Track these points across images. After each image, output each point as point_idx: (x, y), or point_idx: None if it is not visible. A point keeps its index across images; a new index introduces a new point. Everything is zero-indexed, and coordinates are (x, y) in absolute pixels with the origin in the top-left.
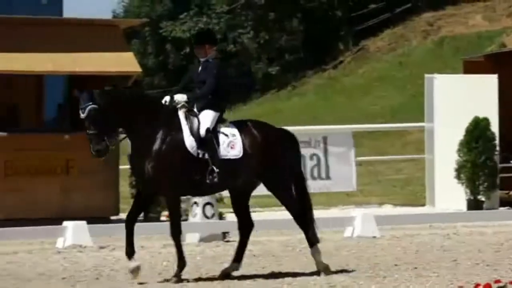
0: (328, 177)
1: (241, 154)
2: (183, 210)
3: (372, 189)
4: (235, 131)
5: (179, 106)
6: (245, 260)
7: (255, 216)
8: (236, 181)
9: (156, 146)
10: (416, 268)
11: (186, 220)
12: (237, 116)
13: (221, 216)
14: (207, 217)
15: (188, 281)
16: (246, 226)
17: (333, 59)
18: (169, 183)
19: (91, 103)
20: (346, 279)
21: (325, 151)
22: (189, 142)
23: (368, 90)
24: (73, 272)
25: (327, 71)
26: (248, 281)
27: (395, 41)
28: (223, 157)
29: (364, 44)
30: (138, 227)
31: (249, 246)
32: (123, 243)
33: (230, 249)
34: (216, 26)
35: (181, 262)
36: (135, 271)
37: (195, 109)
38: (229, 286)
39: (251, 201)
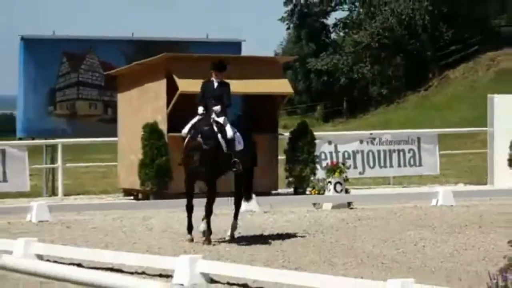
0: (420, 165)
1: (243, 147)
2: (321, 187)
3: (450, 173)
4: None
5: (214, 115)
6: (363, 221)
7: (368, 191)
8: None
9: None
10: (480, 227)
11: (323, 193)
12: (362, 122)
13: (347, 191)
14: (337, 192)
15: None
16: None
17: (425, 84)
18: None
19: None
20: (432, 234)
21: (419, 147)
22: (222, 142)
23: (449, 105)
24: (245, 228)
25: (420, 92)
26: (364, 235)
27: (468, 71)
28: (237, 150)
29: (446, 73)
30: (289, 198)
31: (365, 212)
32: (280, 209)
33: (353, 214)
34: (345, 61)
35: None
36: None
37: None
38: (353, 240)
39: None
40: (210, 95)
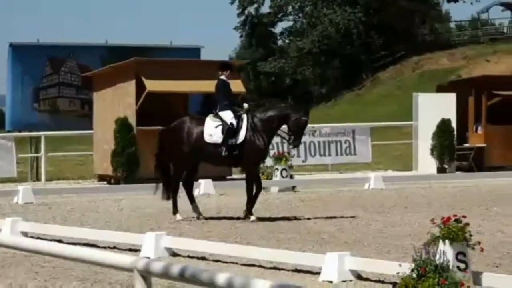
0: (355, 154)
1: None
2: (269, 173)
3: (381, 161)
4: None
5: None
6: (305, 202)
7: (310, 177)
8: None
9: None
10: (406, 207)
11: (271, 179)
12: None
13: (291, 176)
14: (283, 177)
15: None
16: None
17: (359, 84)
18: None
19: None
20: (365, 213)
21: (353, 138)
22: None
23: (380, 102)
24: (203, 209)
25: (355, 91)
26: (306, 215)
27: (396, 73)
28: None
29: (377, 75)
30: (242, 183)
31: (307, 194)
32: (234, 192)
33: (297, 196)
34: (290, 65)
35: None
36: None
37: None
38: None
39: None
40: (230, 92)
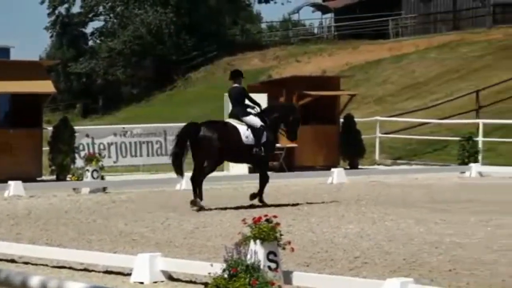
0: (166, 154)
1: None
2: (80, 174)
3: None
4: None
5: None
6: (116, 203)
7: (121, 177)
8: None
9: None
10: (218, 208)
11: (82, 180)
12: (115, 118)
13: (102, 177)
14: (94, 178)
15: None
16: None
17: (171, 84)
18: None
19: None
20: (176, 214)
21: (165, 138)
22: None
23: (191, 103)
24: (13, 211)
25: (166, 92)
26: (117, 216)
27: (208, 73)
28: None
29: (189, 75)
30: (52, 184)
31: (118, 196)
32: (44, 194)
33: (108, 197)
34: (101, 65)
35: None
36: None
37: None
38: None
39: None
40: (248, 98)
